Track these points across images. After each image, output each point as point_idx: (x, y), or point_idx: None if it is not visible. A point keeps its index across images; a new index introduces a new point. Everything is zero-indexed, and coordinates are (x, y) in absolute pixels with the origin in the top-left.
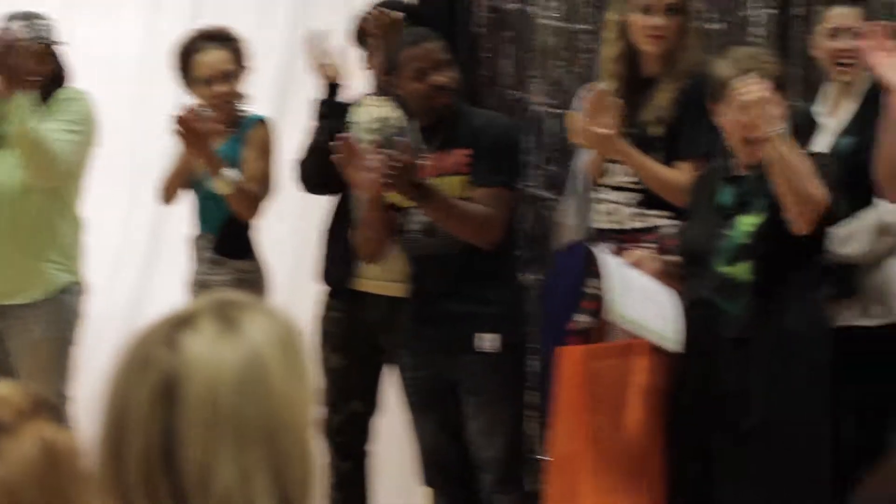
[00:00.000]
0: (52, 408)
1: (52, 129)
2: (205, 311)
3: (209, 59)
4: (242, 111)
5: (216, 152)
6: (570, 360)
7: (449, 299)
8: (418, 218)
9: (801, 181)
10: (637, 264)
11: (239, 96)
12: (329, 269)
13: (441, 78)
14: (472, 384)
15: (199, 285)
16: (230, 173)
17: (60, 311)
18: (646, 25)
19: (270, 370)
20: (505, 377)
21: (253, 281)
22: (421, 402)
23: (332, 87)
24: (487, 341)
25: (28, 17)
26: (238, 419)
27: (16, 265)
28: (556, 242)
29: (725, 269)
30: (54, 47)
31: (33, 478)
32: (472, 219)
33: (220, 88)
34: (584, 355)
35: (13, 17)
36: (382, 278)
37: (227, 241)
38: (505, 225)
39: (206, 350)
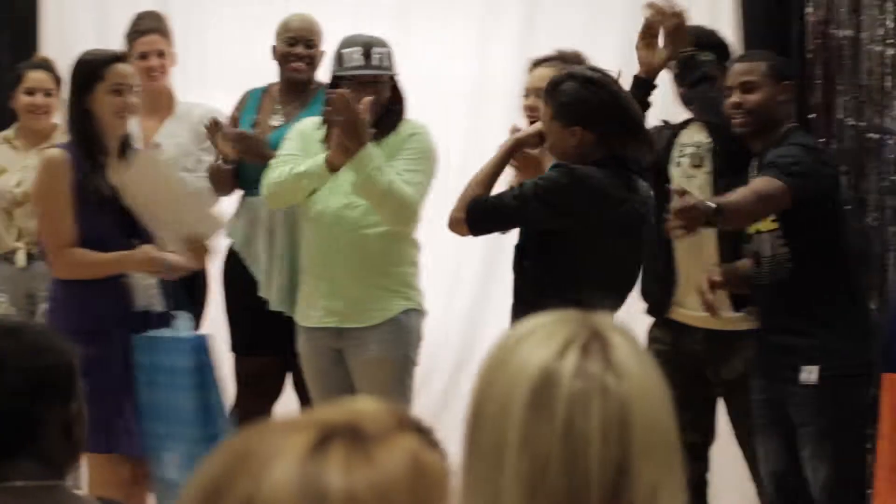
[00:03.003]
0: (422, 428)
1: (399, 172)
2: (593, 334)
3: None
4: None
5: None
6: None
7: (776, 330)
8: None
9: None
10: None
11: None
12: (649, 290)
13: (736, 98)
14: (797, 415)
15: None
16: None
17: (399, 332)
18: None
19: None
20: (823, 409)
21: None
22: (766, 425)
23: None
24: (807, 373)
25: (368, 44)
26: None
27: (354, 291)
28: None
29: None
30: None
31: (403, 487)
32: None
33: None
34: None
35: (350, 42)
36: (701, 309)
37: None
38: None
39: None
